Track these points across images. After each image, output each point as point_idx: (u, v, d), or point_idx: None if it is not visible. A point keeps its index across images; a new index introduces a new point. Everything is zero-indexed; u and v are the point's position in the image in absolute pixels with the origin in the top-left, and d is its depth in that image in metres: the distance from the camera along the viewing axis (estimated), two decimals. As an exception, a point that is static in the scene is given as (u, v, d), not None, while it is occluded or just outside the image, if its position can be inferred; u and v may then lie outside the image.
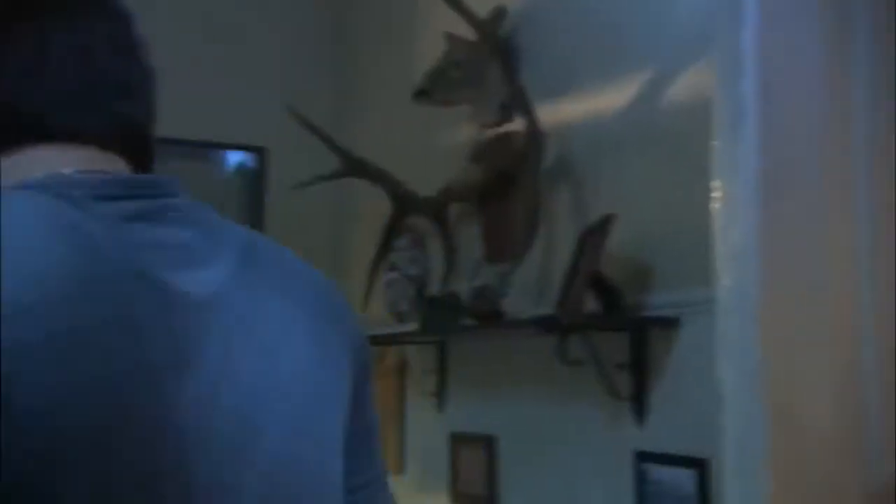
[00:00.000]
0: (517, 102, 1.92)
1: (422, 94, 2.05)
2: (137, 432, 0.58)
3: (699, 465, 1.51)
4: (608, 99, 1.80)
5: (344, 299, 0.79)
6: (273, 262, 0.73)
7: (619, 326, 1.68)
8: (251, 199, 3.01)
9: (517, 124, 1.99)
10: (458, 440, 2.14)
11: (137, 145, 0.71)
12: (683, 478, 1.52)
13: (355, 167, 2.32)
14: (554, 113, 1.91)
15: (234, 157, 3.03)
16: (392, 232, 2.34)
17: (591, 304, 1.69)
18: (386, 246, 2.36)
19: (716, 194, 1.50)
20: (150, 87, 0.72)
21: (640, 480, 1.63)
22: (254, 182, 3.02)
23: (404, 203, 2.28)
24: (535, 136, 1.86)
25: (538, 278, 1.93)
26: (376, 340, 2.41)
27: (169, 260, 0.64)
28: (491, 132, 2.09)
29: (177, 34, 2.95)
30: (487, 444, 2.01)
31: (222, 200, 2.99)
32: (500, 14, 2.04)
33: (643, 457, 1.63)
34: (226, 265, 0.68)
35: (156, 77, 0.73)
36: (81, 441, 0.56)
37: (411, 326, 2.35)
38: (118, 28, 0.71)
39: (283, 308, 0.71)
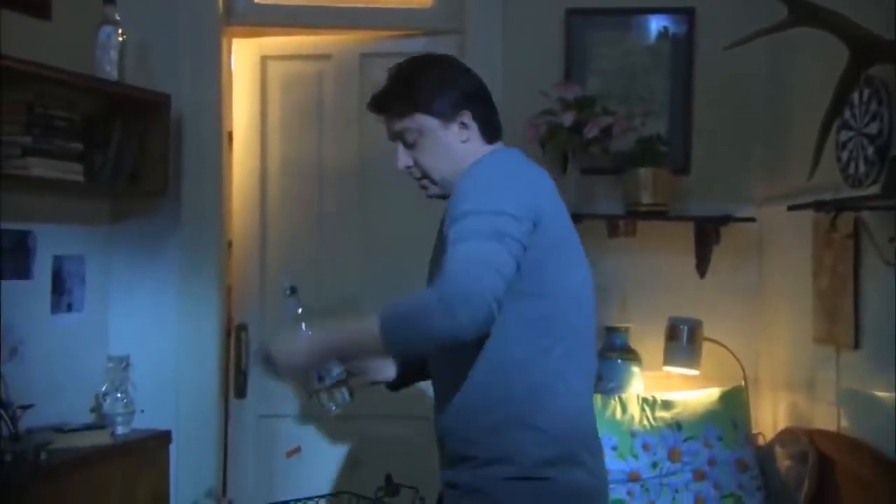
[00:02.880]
0: None
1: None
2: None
3: None
4: None
5: None
6: None
7: None
8: (680, 63, 2.90)
9: None
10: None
11: None
12: None
13: (805, 13, 2.09)
14: None
15: (661, 22, 2.93)
16: (848, 85, 2.10)
17: None
18: (840, 101, 2.12)
19: None
20: None
21: None
22: (682, 46, 2.90)
23: (866, 50, 2.02)
24: None
25: None
26: (826, 206, 2.23)
27: None
28: None
29: None
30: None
31: (648, 68, 2.93)
32: None
33: None
34: None
35: None
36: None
37: (869, 190, 2.12)
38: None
39: None
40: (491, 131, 1.73)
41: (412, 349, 1.57)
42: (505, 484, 1.54)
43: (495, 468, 1.55)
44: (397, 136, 1.73)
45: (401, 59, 1.80)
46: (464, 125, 1.70)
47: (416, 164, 1.72)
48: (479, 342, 1.54)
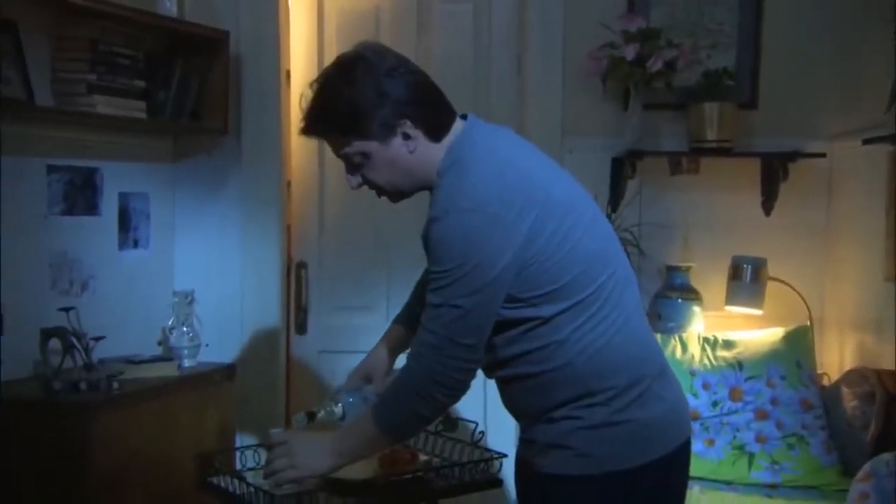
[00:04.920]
0: None
1: None
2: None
3: None
4: None
5: None
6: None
7: None
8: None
9: None
10: None
11: None
12: None
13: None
14: None
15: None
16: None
17: None
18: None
19: None
20: None
21: None
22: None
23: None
24: None
25: None
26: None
27: None
28: None
29: None
30: None
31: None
32: None
33: None
34: None
35: None
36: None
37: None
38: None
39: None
40: (438, 129, 1.58)
41: (412, 433, 1.73)
42: (585, 433, 1.52)
43: (573, 421, 1.53)
44: (341, 159, 1.62)
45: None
46: (406, 135, 1.56)
47: (368, 182, 1.62)
48: (523, 349, 1.55)
